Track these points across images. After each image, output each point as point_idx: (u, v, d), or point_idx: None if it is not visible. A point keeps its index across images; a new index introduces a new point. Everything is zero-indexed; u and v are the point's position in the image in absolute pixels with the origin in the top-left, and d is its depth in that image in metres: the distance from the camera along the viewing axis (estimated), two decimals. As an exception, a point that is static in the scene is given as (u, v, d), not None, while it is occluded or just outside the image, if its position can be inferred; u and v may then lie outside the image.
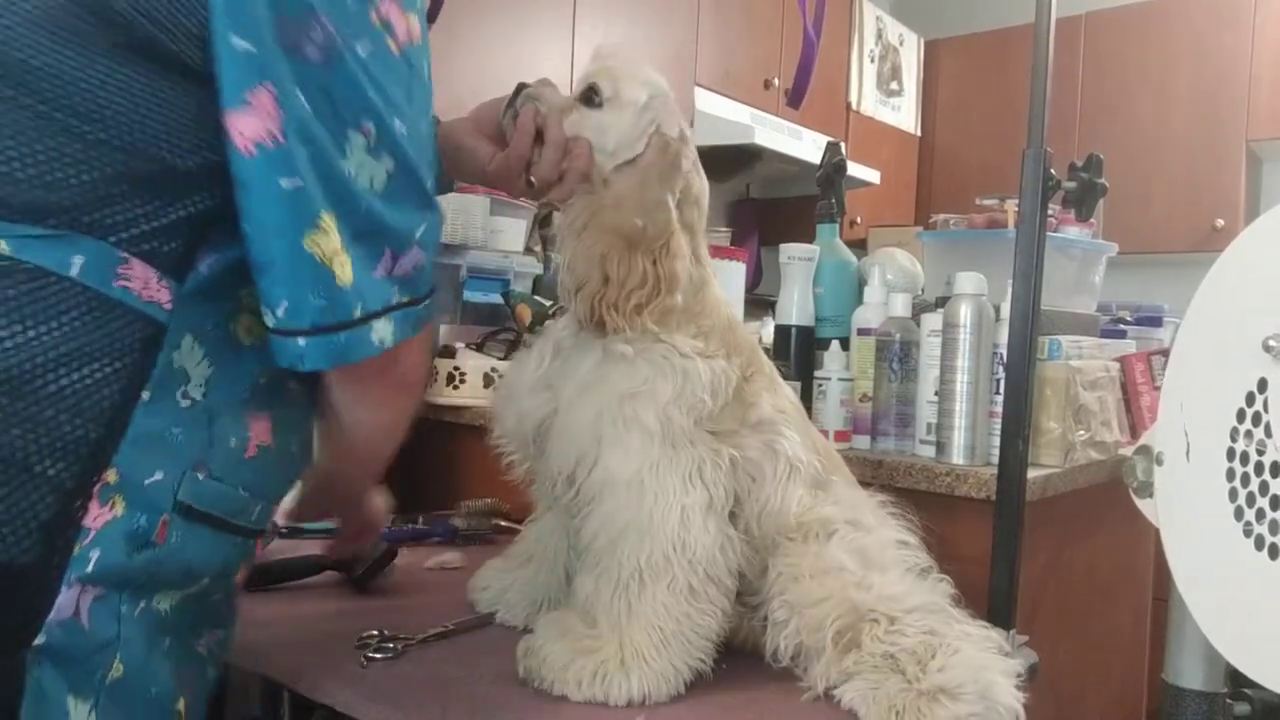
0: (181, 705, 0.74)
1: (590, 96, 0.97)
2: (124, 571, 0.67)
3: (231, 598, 0.82)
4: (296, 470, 0.84)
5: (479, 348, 1.99)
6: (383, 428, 0.89)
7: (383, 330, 0.73)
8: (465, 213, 1.95)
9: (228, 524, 0.74)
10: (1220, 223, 3.33)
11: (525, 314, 1.84)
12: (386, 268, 0.73)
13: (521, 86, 0.99)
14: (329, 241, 0.69)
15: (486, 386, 1.84)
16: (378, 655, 0.95)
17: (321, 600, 1.13)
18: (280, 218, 0.67)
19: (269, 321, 0.69)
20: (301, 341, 0.70)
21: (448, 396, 1.86)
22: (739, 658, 0.96)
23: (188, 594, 0.74)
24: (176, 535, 0.70)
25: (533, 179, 0.98)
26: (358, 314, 0.71)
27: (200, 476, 0.71)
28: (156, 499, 0.69)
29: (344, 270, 0.70)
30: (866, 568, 0.91)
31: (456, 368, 1.86)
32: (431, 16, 1.38)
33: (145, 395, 0.68)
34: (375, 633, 0.99)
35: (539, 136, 0.97)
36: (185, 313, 0.70)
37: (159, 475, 0.69)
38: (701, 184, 1.00)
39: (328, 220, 0.68)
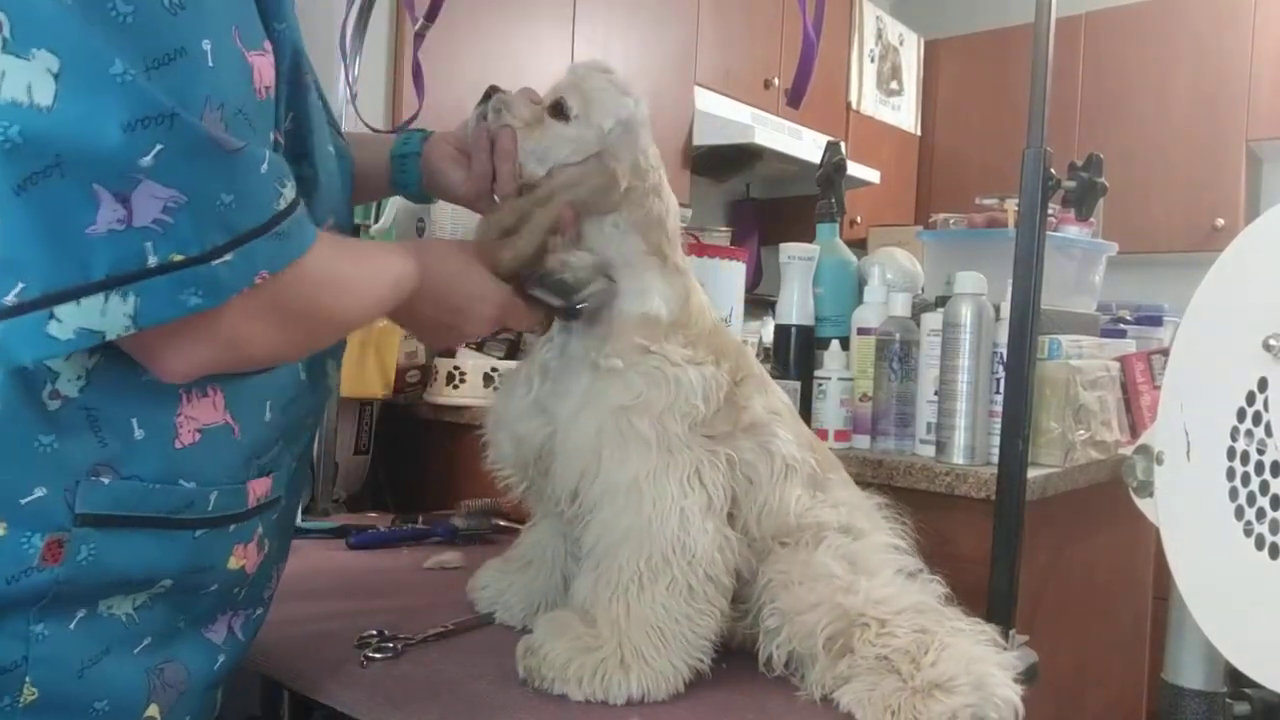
0: (154, 711, 0.70)
1: (559, 109, 0.96)
2: (20, 594, 0.62)
3: (258, 582, 0.80)
4: (281, 435, 0.78)
5: (479, 348, 1.99)
6: (299, 346, 0.74)
7: (102, 315, 0.55)
8: (464, 212, 1.95)
9: (171, 521, 0.69)
10: (1220, 223, 3.32)
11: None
12: (112, 219, 0.54)
13: (491, 91, 0.98)
14: None
15: (486, 386, 1.84)
16: (377, 655, 0.95)
17: (321, 600, 1.13)
18: None
19: None
20: None
21: (448, 396, 1.86)
22: (738, 658, 0.96)
23: (156, 594, 0.70)
24: (88, 548, 0.64)
25: (496, 197, 0.97)
26: (10, 299, 0.54)
27: (105, 480, 0.65)
28: (45, 517, 0.63)
29: None
30: (855, 573, 0.91)
31: (456, 367, 1.86)
32: (431, 16, 1.39)
33: None
34: (375, 633, 0.99)
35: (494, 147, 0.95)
36: None
37: (40, 492, 0.62)
38: (663, 205, 0.98)
39: None
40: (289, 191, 0.63)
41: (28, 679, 0.64)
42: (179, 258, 0.56)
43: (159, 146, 0.55)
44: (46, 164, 0.53)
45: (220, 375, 0.70)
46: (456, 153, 1.00)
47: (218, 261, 0.58)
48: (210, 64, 0.58)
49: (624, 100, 0.97)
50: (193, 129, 0.56)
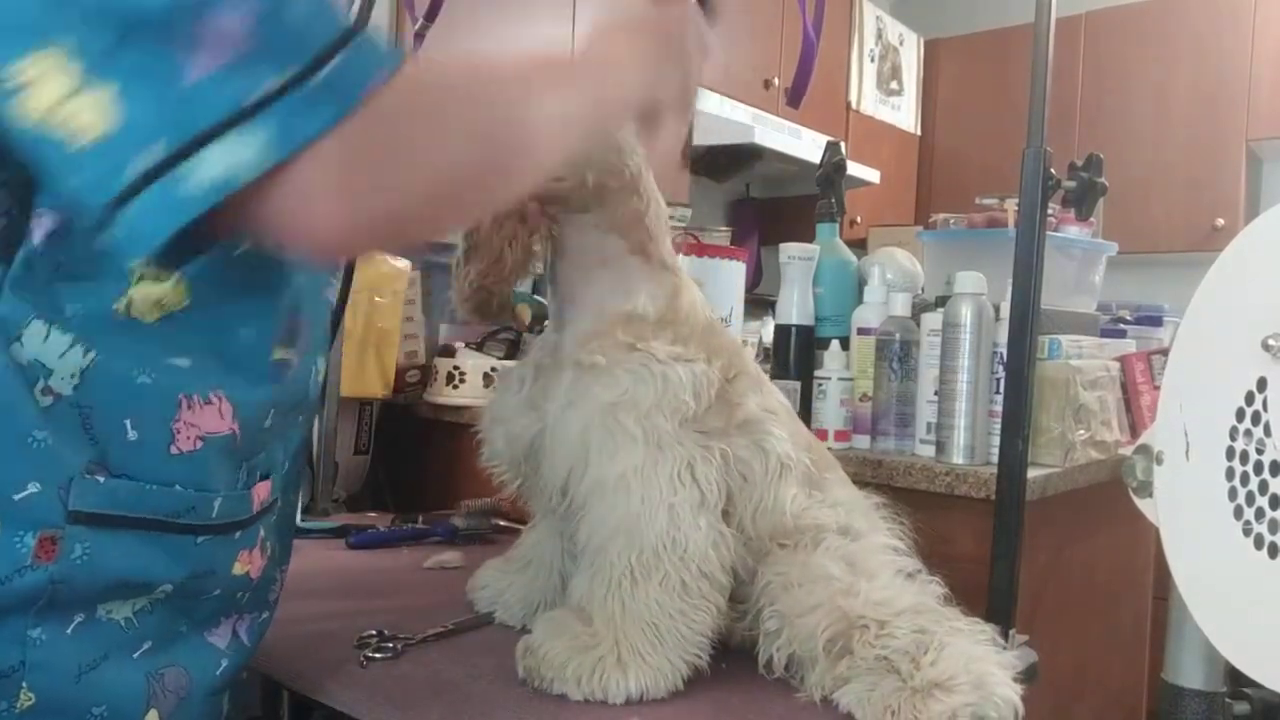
0: (154, 717, 0.70)
1: None
2: (15, 595, 0.61)
3: (262, 585, 0.79)
4: (276, 439, 0.77)
5: (479, 347, 1.99)
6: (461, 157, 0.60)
7: (242, 149, 0.51)
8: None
9: (171, 525, 0.68)
10: (1220, 222, 3.32)
11: (525, 314, 1.84)
12: (214, 54, 0.51)
13: None
14: (48, 91, 0.50)
15: (486, 386, 1.84)
16: (377, 655, 0.95)
17: (321, 600, 1.13)
18: None
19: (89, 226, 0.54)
20: (117, 229, 0.52)
21: (448, 396, 1.86)
22: (738, 658, 0.96)
23: (156, 599, 0.69)
24: (83, 547, 0.63)
25: None
26: (153, 158, 0.50)
27: (100, 479, 0.64)
28: (38, 514, 0.62)
29: (90, 115, 0.50)
30: (854, 575, 0.91)
31: (456, 367, 1.86)
32: (431, 16, 1.39)
33: None
34: (375, 633, 0.99)
35: None
36: (22, 297, 0.61)
37: (33, 488, 0.61)
38: (642, 202, 0.98)
39: (28, 63, 0.50)
40: (344, 16, 0.57)
41: (24, 684, 0.63)
42: (291, 73, 0.52)
43: None
44: (134, 16, 0.50)
45: (225, 380, 0.69)
46: None
47: (327, 68, 0.53)
48: None
49: None
50: None
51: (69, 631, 0.65)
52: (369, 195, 0.56)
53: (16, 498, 0.61)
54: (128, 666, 0.68)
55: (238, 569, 0.75)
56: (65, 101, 0.50)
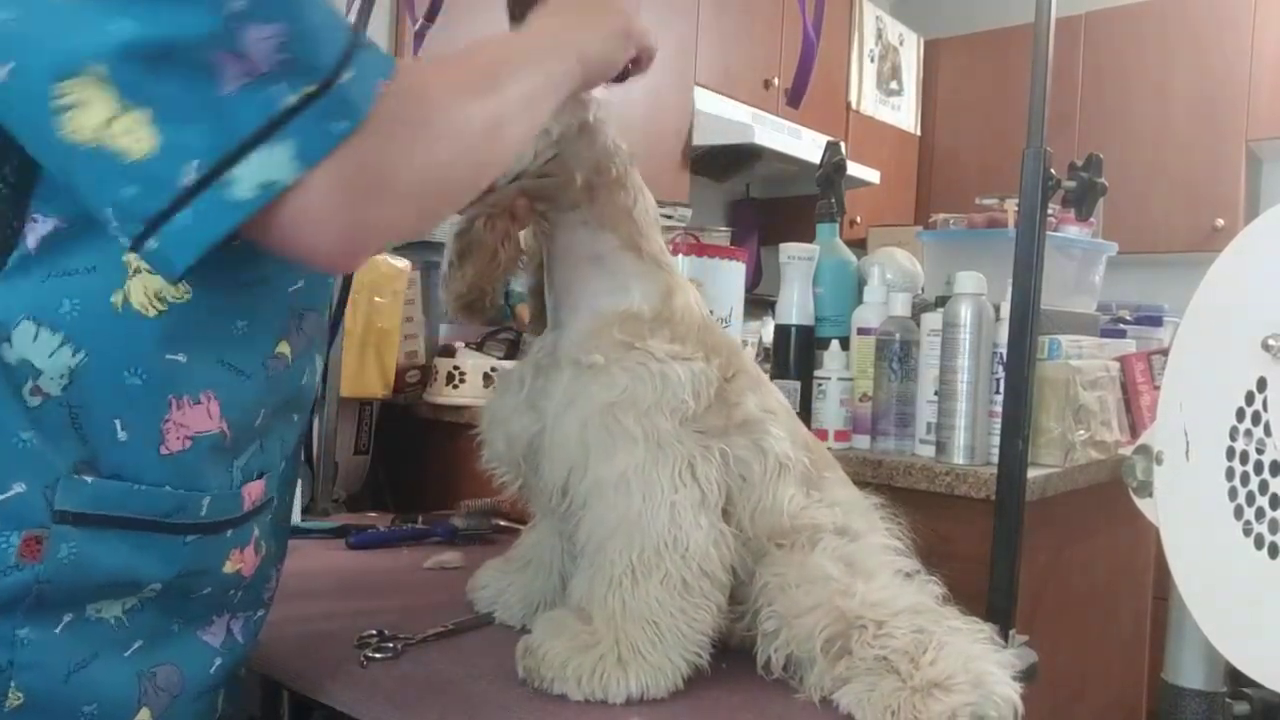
0: (146, 715, 0.70)
1: None
2: (1, 596, 0.62)
3: (256, 583, 0.79)
4: (267, 436, 0.77)
5: (479, 347, 1.99)
6: (448, 162, 0.64)
7: (270, 165, 0.54)
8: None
9: (159, 525, 0.67)
10: (1220, 223, 3.33)
11: (525, 314, 1.84)
12: (237, 74, 0.54)
13: None
14: (90, 114, 0.53)
15: (486, 386, 1.84)
16: (377, 655, 0.95)
17: (321, 600, 1.13)
18: (22, 114, 0.55)
19: (122, 241, 0.57)
20: (154, 244, 0.55)
21: (448, 396, 1.86)
22: (737, 658, 0.96)
23: (146, 598, 0.69)
24: (69, 547, 0.63)
25: None
26: (190, 178, 0.54)
27: (87, 479, 0.64)
28: (23, 514, 0.62)
29: (132, 137, 0.53)
30: (852, 575, 0.91)
31: (456, 367, 1.86)
32: (431, 16, 1.38)
33: None
34: (375, 633, 0.99)
35: None
36: (12, 296, 0.61)
37: (18, 488, 0.62)
38: (629, 197, 0.98)
39: (70, 87, 0.53)
40: (346, 19, 0.61)
41: (13, 683, 0.63)
42: (310, 89, 0.56)
43: None
44: (162, 43, 0.53)
45: (214, 381, 0.69)
46: None
47: (340, 80, 0.57)
48: None
49: (578, 101, 0.97)
50: None
51: (58, 631, 0.65)
52: (372, 206, 0.59)
53: (1, 498, 0.61)
54: (118, 665, 0.68)
55: (229, 567, 0.75)
56: (112, 122, 0.53)
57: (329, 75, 0.56)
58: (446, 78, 0.66)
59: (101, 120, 0.53)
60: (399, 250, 1.85)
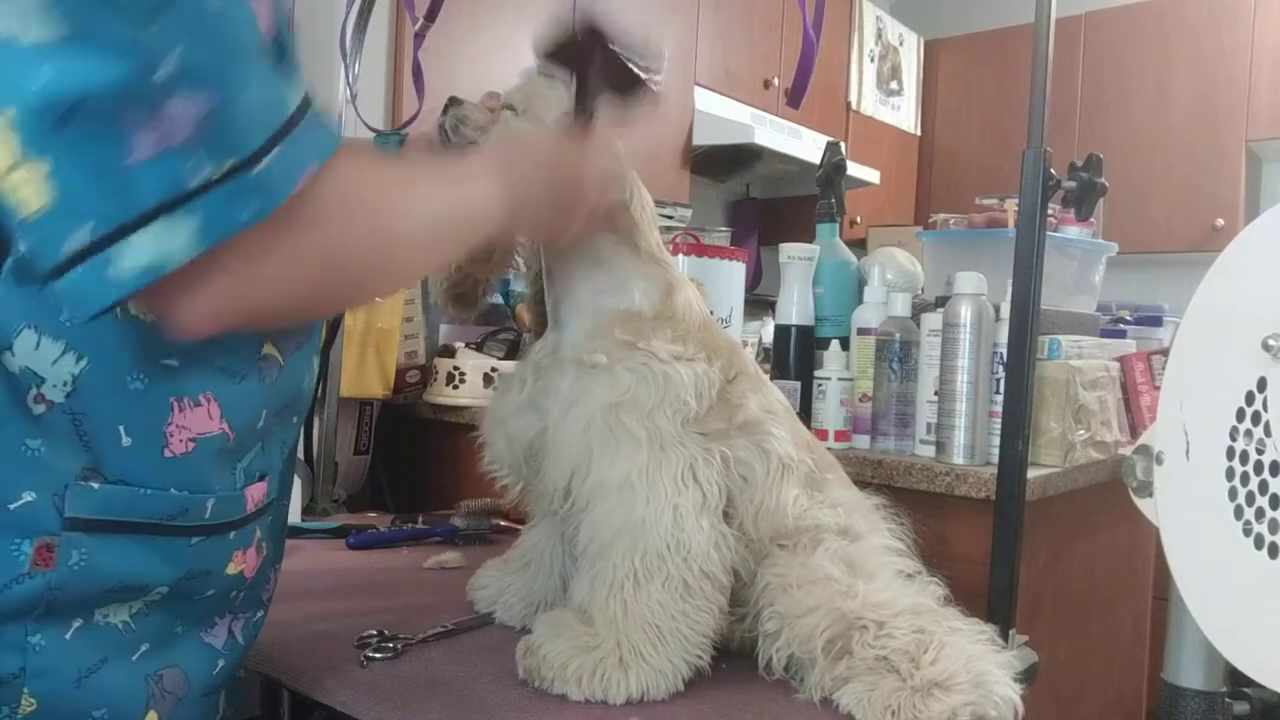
0: (153, 718, 0.70)
1: (510, 109, 0.99)
2: (14, 603, 0.62)
3: (257, 584, 0.79)
4: (269, 439, 0.77)
5: (479, 348, 1.99)
6: (322, 287, 0.63)
7: (167, 239, 0.52)
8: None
9: (165, 527, 0.68)
10: (1220, 223, 3.32)
11: (525, 314, 1.84)
12: (152, 140, 0.51)
13: (450, 104, 0.99)
14: None
15: (486, 386, 1.84)
16: (377, 655, 0.95)
17: (322, 600, 1.13)
18: None
19: None
20: (59, 289, 0.53)
21: (448, 396, 1.86)
22: (737, 658, 0.96)
23: (152, 601, 0.70)
24: (79, 553, 0.64)
25: None
26: (80, 242, 0.51)
27: (94, 485, 0.64)
28: (34, 522, 0.62)
29: (31, 189, 0.51)
30: (853, 576, 0.91)
31: (456, 367, 1.86)
32: (431, 16, 1.39)
33: None
34: (375, 632, 0.99)
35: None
36: (12, 304, 0.61)
37: (28, 497, 0.62)
38: (624, 194, 0.98)
39: None
40: (296, 92, 0.59)
41: (26, 690, 0.63)
42: (226, 166, 0.53)
43: (180, 47, 0.52)
44: (76, 97, 0.50)
45: (213, 382, 0.69)
46: None
47: (263, 163, 0.55)
48: (212, 7, 0.55)
49: (568, 95, 0.97)
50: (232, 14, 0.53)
51: (68, 637, 0.65)
52: (248, 291, 0.58)
53: (12, 506, 0.62)
54: (127, 669, 0.69)
55: (232, 569, 0.75)
56: (9, 172, 0.51)
57: (250, 155, 0.54)
58: (382, 186, 0.65)
59: (2, 167, 0.51)
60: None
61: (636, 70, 0.87)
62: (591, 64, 0.86)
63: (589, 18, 0.86)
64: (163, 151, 0.52)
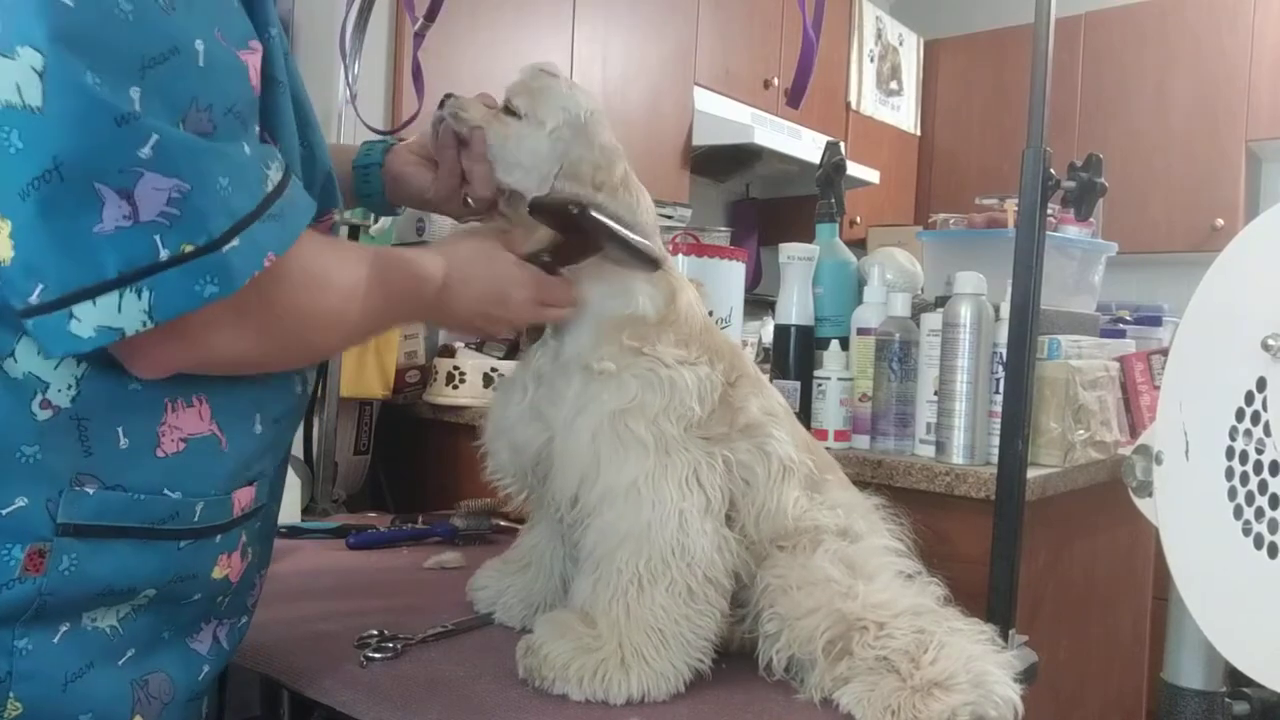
0: None
1: (509, 111, 0.98)
2: (3, 608, 0.62)
3: (242, 590, 0.79)
4: (269, 447, 0.78)
5: (479, 348, 1.99)
6: (272, 352, 0.70)
7: (119, 312, 0.55)
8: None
9: (155, 531, 0.68)
10: (1220, 223, 3.32)
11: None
12: (117, 214, 0.54)
13: (446, 98, 0.99)
14: None
15: (486, 386, 1.84)
16: (377, 655, 0.95)
17: (321, 600, 1.13)
18: None
19: None
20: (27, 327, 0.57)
21: (448, 396, 1.86)
22: (738, 658, 0.96)
23: (139, 605, 0.70)
24: (70, 559, 0.64)
25: (469, 199, 0.99)
26: (35, 299, 0.54)
27: (89, 490, 0.65)
28: (26, 527, 0.62)
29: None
30: (854, 577, 0.91)
31: (456, 368, 1.86)
32: (431, 16, 1.39)
33: None
34: (375, 632, 0.99)
35: (464, 149, 0.97)
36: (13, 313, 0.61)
37: (21, 502, 0.62)
38: (631, 198, 0.98)
39: None
40: (274, 173, 0.62)
41: (11, 694, 0.63)
42: (189, 248, 0.56)
43: (155, 137, 0.54)
44: (46, 168, 0.53)
45: (207, 385, 0.70)
46: (420, 158, 1.02)
47: (227, 247, 0.57)
48: (200, 64, 0.59)
49: (570, 97, 0.97)
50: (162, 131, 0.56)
51: (55, 641, 0.65)
52: (196, 352, 0.64)
53: (4, 512, 0.62)
54: (113, 674, 0.69)
55: (217, 572, 0.75)
56: None
57: (214, 239, 0.57)
58: (334, 280, 0.71)
59: None
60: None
61: (637, 246, 0.92)
62: (575, 234, 0.91)
63: (584, 201, 0.90)
64: (131, 226, 0.54)
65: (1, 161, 0.53)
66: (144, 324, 0.56)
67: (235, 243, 0.58)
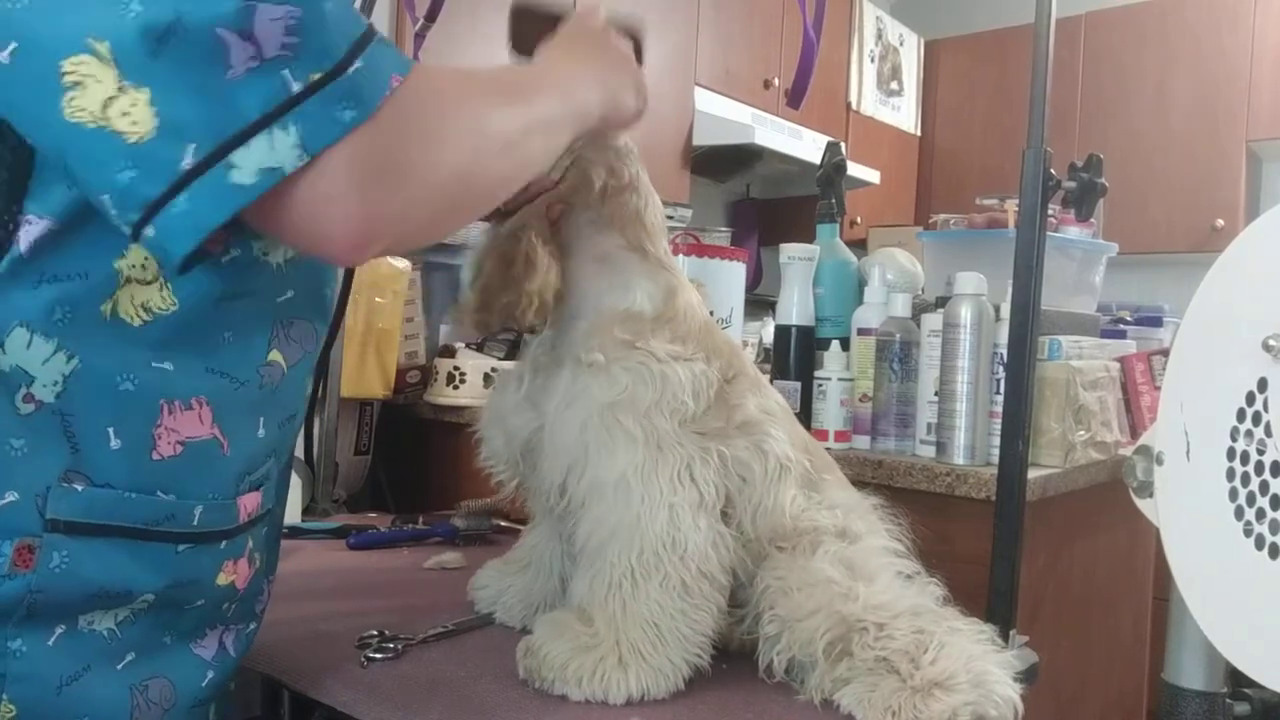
0: None
1: None
2: None
3: (249, 596, 0.79)
4: (274, 451, 0.77)
5: (479, 348, 2.00)
6: (463, 164, 0.64)
7: (273, 150, 0.53)
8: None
9: (149, 533, 0.67)
10: (1220, 223, 3.32)
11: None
12: (244, 57, 0.53)
13: None
14: (91, 94, 0.52)
15: (486, 386, 1.84)
16: (378, 655, 0.95)
17: (321, 600, 1.13)
18: (24, 96, 0.54)
19: (122, 229, 0.56)
20: (151, 232, 0.54)
21: (448, 397, 1.87)
22: (737, 659, 0.96)
23: (139, 610, 0.69)
24: (61, 556, 0.63)
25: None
26: (188, 162, 0.53)
27: (78, 487, 0.64)
28: (15, 522, 0.62)
29: (129, 119, 0.52)
30: (853, 578, 0.91)
31: (456, 367, 1.87)
32: (431, 16, 1.39)
33: None
34: (375, 633, 0.99)
35: None
36: (5, 302, 0.60)
37: (10, 496, 0.61)
38: (640, 200, 0.98)
39: (74, 65, 0.52)
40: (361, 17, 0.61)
41: (5, 696, 0.63)
42: (317, 75, 0.55)
43: None
44: (170, 21, 0.52)
45: (208, 387, 0.68)
46: None
47: (352, 69, 0.56)
48: None
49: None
50: None
51: (50, 643, 0.64)
52: (383, 198, 0.58)
53: None
54: (110, 678, 0.68)
55: (222, 579, 0.74)
56: (111, 103, 0.52)
57: (339, 63, 0.56)
58: (469, 86, 0.67)
59: (101, 101, 0.52)
60: (399, 250, 1.85)
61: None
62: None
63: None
64: (257, 67, 0.53)
65: (126, 27, 0.52)
66: (300, 158, 0.54)
67: (359, 64, 0.56)
